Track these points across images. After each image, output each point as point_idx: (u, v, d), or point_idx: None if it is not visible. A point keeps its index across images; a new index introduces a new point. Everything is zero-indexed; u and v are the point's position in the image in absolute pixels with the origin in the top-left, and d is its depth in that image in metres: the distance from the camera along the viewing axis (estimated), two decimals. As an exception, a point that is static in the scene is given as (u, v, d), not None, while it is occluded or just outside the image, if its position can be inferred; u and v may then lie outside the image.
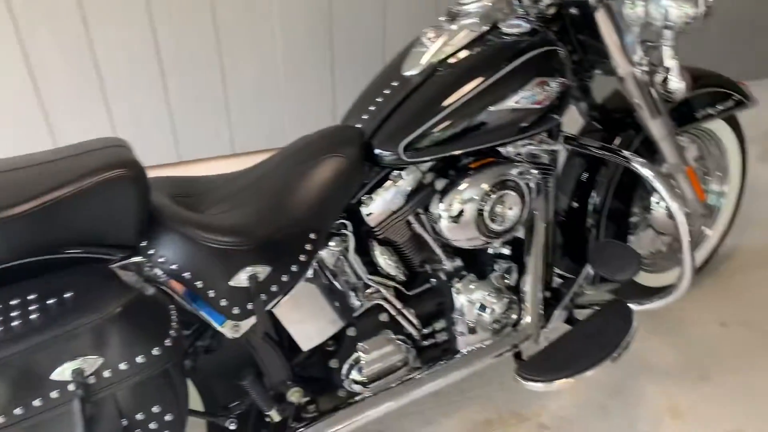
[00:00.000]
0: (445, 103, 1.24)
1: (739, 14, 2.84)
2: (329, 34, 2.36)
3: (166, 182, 1.19)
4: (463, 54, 1.27)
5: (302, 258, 1.12)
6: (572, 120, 1.58)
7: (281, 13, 2.27)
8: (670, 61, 1.40)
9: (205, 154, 2.48)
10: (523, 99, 1.26)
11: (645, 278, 1.87)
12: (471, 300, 1.41)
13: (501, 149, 1.37)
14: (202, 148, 2.47)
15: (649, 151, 1.63)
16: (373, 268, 1.33)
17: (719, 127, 1.82)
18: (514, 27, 1.29)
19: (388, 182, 1.29)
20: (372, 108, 1.30)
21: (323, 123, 2.48)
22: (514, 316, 1.49)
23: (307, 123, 2.55)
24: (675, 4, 1.33)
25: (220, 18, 2.22)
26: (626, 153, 1.47)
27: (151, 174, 1.02)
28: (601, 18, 1.35)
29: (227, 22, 2.24)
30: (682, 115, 1.67)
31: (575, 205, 1.70)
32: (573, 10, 1.40)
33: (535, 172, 1.38)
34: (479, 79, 1.24)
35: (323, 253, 1.23)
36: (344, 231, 1.26)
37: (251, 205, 1.15)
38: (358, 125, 1.30)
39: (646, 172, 1.45)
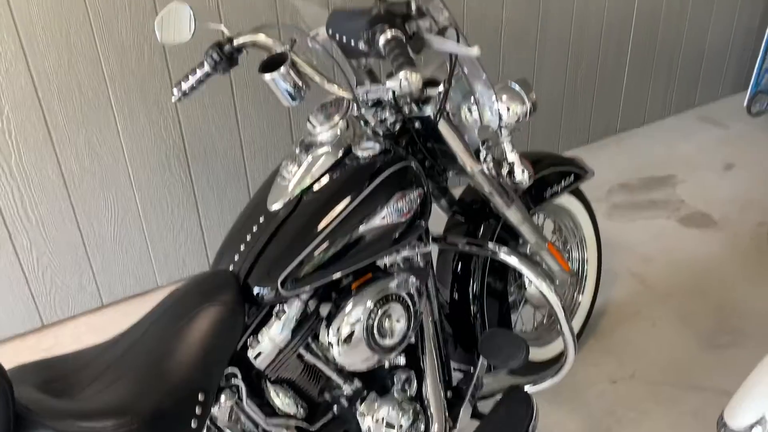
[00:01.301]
0: (316, 230, 1.26)
1: (557, 92, 3.17)
2: (186, 168, 2.35)
3: (31, 370, 1.09)
4: (325, 181, 1.31)
5: (193, 425, 1.05)
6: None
7: (130, 153, 2.23)
8: (510, 155, 1.51)
9: (71, 311, 2.33)
10: (388, 215, 1.31)
11: (535, 353, 1.94)
12: (377, 419, 1.39)
13: (378, 263, 1.40)
14: (67, 306, 2.32)
15: (512, 234, 1.74)
16: (270, 409, 1.28)
17: (567, 200, 1.97)
18: (368, 149, 1.34)
19: (272, 319, 1.26)
20: (242, 247, 1.28)
21: (194, 258, 2.43)
22: (422, 426, 1.48)
23: (177, 260, 2.47)
24: (505, 106, 1.46)
25: (67, 169, 2.15)
26: (490, 245, 1.55)
27: (11, 349, 0.93)
28: (443, 127, 1.45)
29: (74, 172, 2.16)
30: (533, 196, 1.80)
31: (456, 297, 1.76)
32: (417, 124, 1.49)
33: (414, 278, 1.41)
34: (344, 203, 1.28)
35: (215, 411, 1.17)
36: (234, 381, 1.21)
37: (128, 378, 1.07)
38: (231, 267, 1.28)
39: (511, 260, 1.53)
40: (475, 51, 1.17)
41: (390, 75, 1.12)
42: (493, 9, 2.75)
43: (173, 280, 2.47)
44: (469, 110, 1.48)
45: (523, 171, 1.53)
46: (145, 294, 2.44)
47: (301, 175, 1.31)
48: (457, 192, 1.79)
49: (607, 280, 2.41)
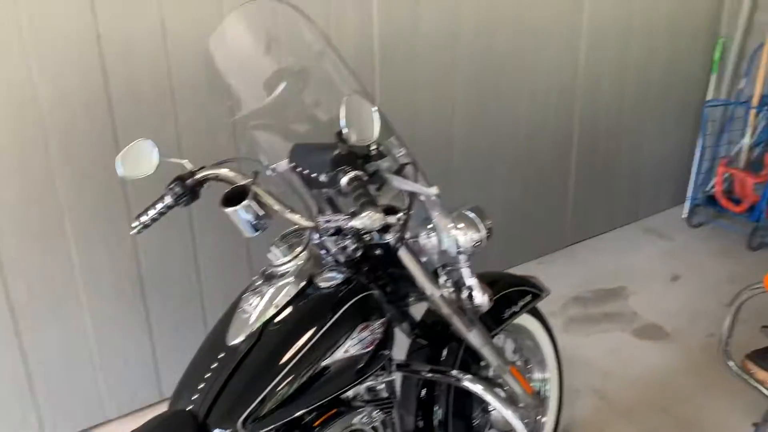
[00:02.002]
0: (278, 366, 1.23)
1: (508, 208, 3.28)
2: (140, 295, 2.30)
3: None
4: (287, 313, 1.30)
5: None
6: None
7: (84, 280, 2.18)
8: (469, 279, 1.54)
9: (10, 451, 2.17)
10: (351, 347, 1.30)
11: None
12: None
13: (341, 396, 1.37)
14: (5, 445, 2.16)
15: (475, 356, 1.74)
16: None
17: (526, 320, 1.99)
18: (330, 280, 1.35)
19: (232, 461, 1.21)
20: (201, 385, 1.25)
21: (147, 389, 2.32)
22: None
23: (128, 391, 2.37)
24: (462, 233, 1.50)
25: (16, 299, 2.08)
26: (454, 372, 1.55)
27: None
28: (403, 254, 1.47)
29: (22, 302, 2.09)
30: (493, 318, 1.81)
31: (421, 424, 1.72)
32: (377, 251, 1.51)
33: (378, 411, 1.38)
34: (307, 336, 1.27)
35: None
36: None
37: None
38: (190, 407, 1.23)
39: (475, 388, 1.53)
40: (433, 191, 1.23)
41: (354, 213, 1.15)
42: (443, 126, 2.89)
43: (123, 413, 2.35)
44: (428, 236, 1.52)
45: (482, 294, 1.55)
46: (94, 428, 2.30)
47: (263, 307, 1.30)
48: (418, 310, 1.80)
49: (568, 397, 2.40)
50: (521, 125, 3.16)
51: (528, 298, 1.93)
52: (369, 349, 1.33)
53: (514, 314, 1.88)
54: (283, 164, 1.50)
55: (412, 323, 1.79)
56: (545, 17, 3.02)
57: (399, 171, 1.34)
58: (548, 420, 2.07)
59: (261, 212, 1.32)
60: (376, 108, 1.18)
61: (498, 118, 3.05)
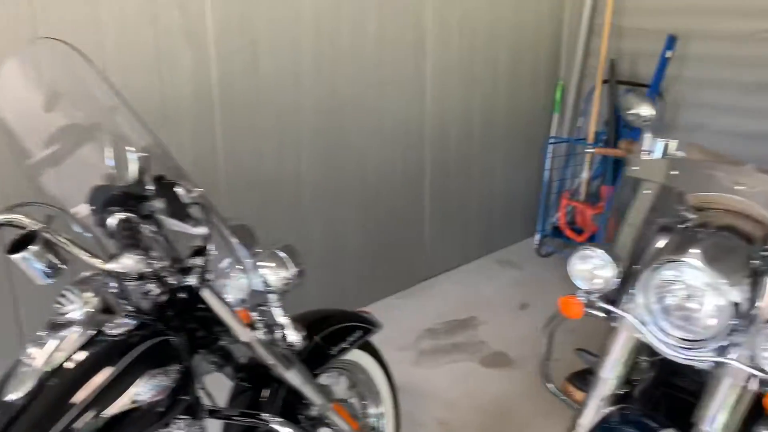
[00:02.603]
0: (57, 421, 1.17)
1: (360, 245, 3.33)
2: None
3: None
4: (69, 364, 1.24)
5: None
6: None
7: None
8: (281, 318, 1.54)
9: None
10: (140, 395, 1.25)
11: None
12: None
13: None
14: None
15: (299, 397, 1.73)
16: None
17: (358, 356, 2.01)
18: (121, 326, 1.30)
19: None
20: (-29, 448, 1.15)
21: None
22: None
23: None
24: (270, 272, 1.50)
25: None
26: (264, 416, 1.53)
27: None
28: (208, 296, 1.44)
29: None
30: (320, 355, 1.82)
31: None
32: (182, 294, 1.48)
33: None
34: (90, 388, 1.21)
35: None
36: None
37: None
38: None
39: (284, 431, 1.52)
40: (201, 231, 1.22)
41: (112, 257, 1.12)
42: (290, 169, 2.90)
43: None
44: (236, 276, 1.50)
45: (295, 333, 1.55)
46: None
47: (45, 359, 1.23)
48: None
49: (413, 430, 2.43)
50: (370, 167, 3.24)
51: (358, 333, 1.96)
52: (163, 396, 1.28)
53: (344, 350, 1.90)
54: (84, 208, 1.45)
55: (236, 366, 1.76)
56: (388, 61, 3.14)
57: (180, 211, 1.32)
58: (384, 455, 2.08)
59: (55, 259, 1.27)
60: (133, 149, 1.16)
61: (346, 161, 3.11)
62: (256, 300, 1.56)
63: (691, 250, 1.43)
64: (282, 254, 1.54)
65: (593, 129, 3.86)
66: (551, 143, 4.03)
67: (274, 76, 2.70)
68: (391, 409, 2.12)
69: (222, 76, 2.54)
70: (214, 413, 1.56)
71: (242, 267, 1.49)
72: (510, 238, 4.22)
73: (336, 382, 1.99)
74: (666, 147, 1.83)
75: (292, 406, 1.72)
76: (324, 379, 1.93)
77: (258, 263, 1.49)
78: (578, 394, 2.09)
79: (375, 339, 3.02)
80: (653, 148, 1.87)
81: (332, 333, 1.89)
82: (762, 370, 1.37)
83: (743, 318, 1.44)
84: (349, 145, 3.09)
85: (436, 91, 3.40)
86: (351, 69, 2.99)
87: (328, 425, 1.79)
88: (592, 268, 1.61)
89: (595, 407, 1.65)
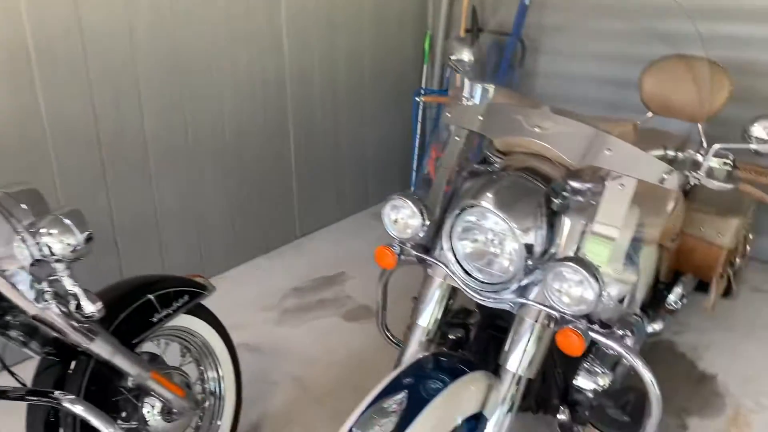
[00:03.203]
0: None
1: (223, 207, 3.22)
2: None
3: None
4: None
5: None
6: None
7: None
8: (73, 288, 1.44)
9: None
10: None
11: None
12: None
13: None
14: None
15: (112, 368, 1.64)
16: None
17: (188, 321, 1.93)
18: None
19: None
20: None
21: None
22: None
23: None
24: (54, 240, 1.39)
25: None
26: (56, 393, 1.44)
27: None
28: (-21, 269, 1.33)
29: None
30: (138, 324, 1.73)
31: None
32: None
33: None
34: None
35: None
36: None
37: None
38: None
39: (75, 409, 1.43)
40: None
41: None
42: (131, 130, 2.74)
43: None
44: (20, 244, 1.38)
45: (90, 303, 1.46)
46: None
47: None
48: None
49: (267, 391, 2.40)
50: (228, 124, 3.10)
51: (185, 298, 1.88)
52: None
53: (167, 317, 1.82)
54: None
55: (44, 341, 1.65)
56: (239, 13, 2.99)
57: None
58: (224, 422, 2.03)
59: None
60: None
61: (198, 118, 2.97)
62: (45, 270, 1.45)
63: (486, 195, 1.44)
64: (67, 220, 1.42)
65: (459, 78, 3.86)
66: (419, 95, 4.01)
67: (102, 29, 2.50)
68: (230, 372, 2.07)
69: (36, 27, 2.32)
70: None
71: (21, 236, 1.37)
72: (386, 192, 4.19)
73: (165, 350, 1.91)
74: (485, 92, 1.82)
75: (105, 378, 1.64)
76: (150, 347, 1.86)
77: (41, 230, 1.38)
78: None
79: (233, 300, 2.99)
80: (473, 93, 1.86)
81: (158, 298, 1.80)
82: (553, 308, 1.40)
83: (540, 258, 1.47)
84: (200, 102, 2.95)
85: (293, 40, 3.28)
86: (197, 22, 2.82)
87: (151, 394, 1.72)
88: (403, 218, 1.60)
89: (413, 353, 1.66)
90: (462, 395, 1.47)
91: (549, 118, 1.48)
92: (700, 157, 1.50)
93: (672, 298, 2.32)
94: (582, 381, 1.92)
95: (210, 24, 2.89)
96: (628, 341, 2.07)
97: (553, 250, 1.48)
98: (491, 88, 1.80)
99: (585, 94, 3.61)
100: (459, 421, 1.45)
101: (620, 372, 2.05)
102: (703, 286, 2.53)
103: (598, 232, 1.42)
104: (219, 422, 2.02)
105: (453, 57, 1.83)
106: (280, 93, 3.33)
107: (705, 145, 2.59)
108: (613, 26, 3.46)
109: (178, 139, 2.92)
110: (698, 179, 1.52)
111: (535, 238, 1.42)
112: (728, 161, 1.51)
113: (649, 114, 2.74)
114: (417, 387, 1.44)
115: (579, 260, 1.34)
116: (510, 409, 1.48)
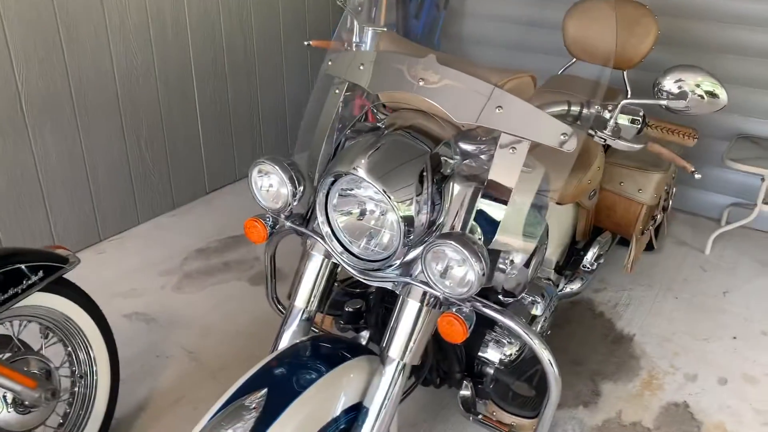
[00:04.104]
0: None
1: (119, 163, 2.93)
2: None
3: None
4: None
5: None
6: None
7: None
8: None
9: None
10: None
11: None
12: None
13: None
14: None
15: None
16: None
17: (47, 299, 1.70)
18: None
19: None
20: None
21: None
22: None
23: None
24: None
25: None
26: None
27: None
28: None
29: None
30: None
31: None
32: None
33: None
34: None
35: None
36: None
37: None
38: None
39: None
40: None
41: None
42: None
43: None
44: None
45: None
46: None
47: None
48: None
49: (158, 365, 2.21)
50: (117, 73, 2.79)
51: (39, 274, 1.64)
52: None
53: (15, 296, 1.58)
54: None
55: None
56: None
57: None
58: (97, 406, 1.83)
59: None
60: None
61: (80, 68, 2.64)
62: None
63: (361, 160, 1.23)
64: None
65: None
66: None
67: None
68: (103, 351, 1.85)
69: None
70: None
71: None
72: (304, 146, 3.96)
73: (20, 332, 1.68)
74: (376, 38, 1.60)
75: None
76: (-2, 330, 1.63)
77: None
78: (321, 317, 1.93)
79: (128, 265, 2.76)
80: (365, 39, 1.64)
81: (3, 276, 1.56)
82: (430, 286, 1.23)
83: (428, 230, 1.29)
84: (79, 49, 2.61)
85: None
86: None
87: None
88: (272, 185, 1.39)
89: (289, 337, 1.48)
90: (340, 384, 1.30)
91: (434, 69, 1.27)
92: (607, 114, 1.34)
93: (587, 258, 2.20)
94: (488, 352, 1.80)
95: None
96: (539, 306, 1.96)
97: (441, 220, 1.30)
98: (382, 32, 1.58)
99: (519, 38, 3.40)
100: (337, 413, 1.29)
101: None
102: (626, 242, 2.43)
103: (488, 200, 1.24)
104: (92, 407, 1.82)
105: (347, -6, 1.60)
106: (179, 38, 3.01)
107: (629, 95, 2.45)
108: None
109: (57, 92, 2.59)
110: (604, 139, 1.35)
111: (418, 208, 1.24)
112: (637, 119, 1.35)
113: (573, 60, 2.56)
114: (287, 378, 1.27)
115: (460, 237, 1.16)
116: (391, 399, 1.31)
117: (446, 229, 1.30)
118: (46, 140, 2.60)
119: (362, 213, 1.30)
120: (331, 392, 1.29)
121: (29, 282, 1.62)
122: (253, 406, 1.20)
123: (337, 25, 1.63)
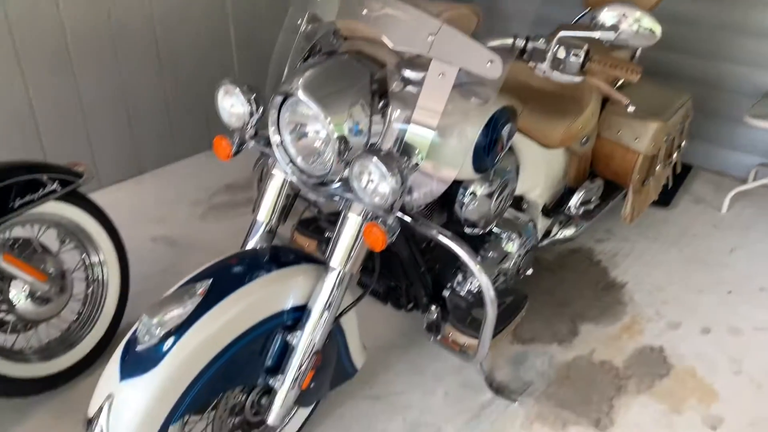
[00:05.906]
0: None
1: (158, 102, 3.15)
2: None
3: None
4: None
5: None
6: None
7: None
8: None
9: None
10: None
11: (39, 369, 1.89)
12: None
13: None
14: None
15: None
16: None
17: (61, 208, 1.92)
18: None
19: None
20: None
21: None
22: None
23: None
24: None
25: None
26: None
27: None
28: None
29: None
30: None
31: None
32: None
33: None
34: None
35: None
36: None
37: None
38: None
39: None
40: None
41: None
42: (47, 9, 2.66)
43: None
44: None
45: None
46: None
47: None
48: None
49: (172, 282, 2.39)
50: (156, 11, 2.99)
51: (52, 186, 1.87)
52: None
53: (29, 203, 1.81)
54: None
55: None
56: None
57: None
58: (107, 305, 2.06)
59: None
60: None
61: (123, 5, 2.86)
62: None
63: (303, 81, 1.35)
64: None
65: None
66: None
67: None
68: (114, 258, 2.07)
69: None
70: None
71: None
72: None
73: (35, 235, 1.92)
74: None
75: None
76: (18, 231, 1.87)
77: None
78: (302, 240, 2.09)
79: (162, 195, 3.00)
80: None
81: (22, 184, 1.80)
82: (362, 200, 1.35)
83: (362, 149, 1.39)
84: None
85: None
86: None
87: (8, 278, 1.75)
88: (233, 105, 1.53)
89: (251, 246, 1.64)
90: (287, 284, 1.46)
91: (380, -1, 1.37)
92: (545, 45, 1.39)
93: (572, 202, 2.24)
94: (455, 281, 1.90)
95: None
96: (514, 244, 2.04)
97: (378, 142, 1.41)
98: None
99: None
100: (283, 308, 1.45)
101: (506, 270, 2.02)
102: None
103: (417, 122, 1.34)
104: (102, 307, 2.06)
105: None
106: (217, -18, 3.18)
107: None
108: None
109: (101, 27, 2.83)
110: (543, 71, 1.41)
111: (356, 128, 1.35)
112: (579, 52, 1.40)
113: (588, 9, 2.56)
114: (234, 273, 1.44)
115: (384, 153, 1.27)
116: (331, 305, 1.45)
117: (383, 148, 1.41)
118: (88, 73, 2.84)
119: (304, 132, 1.42)
120: (278, 289, 1.44)
121: (45, 190, 1.85)
122: (199, 292, 1.38)
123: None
